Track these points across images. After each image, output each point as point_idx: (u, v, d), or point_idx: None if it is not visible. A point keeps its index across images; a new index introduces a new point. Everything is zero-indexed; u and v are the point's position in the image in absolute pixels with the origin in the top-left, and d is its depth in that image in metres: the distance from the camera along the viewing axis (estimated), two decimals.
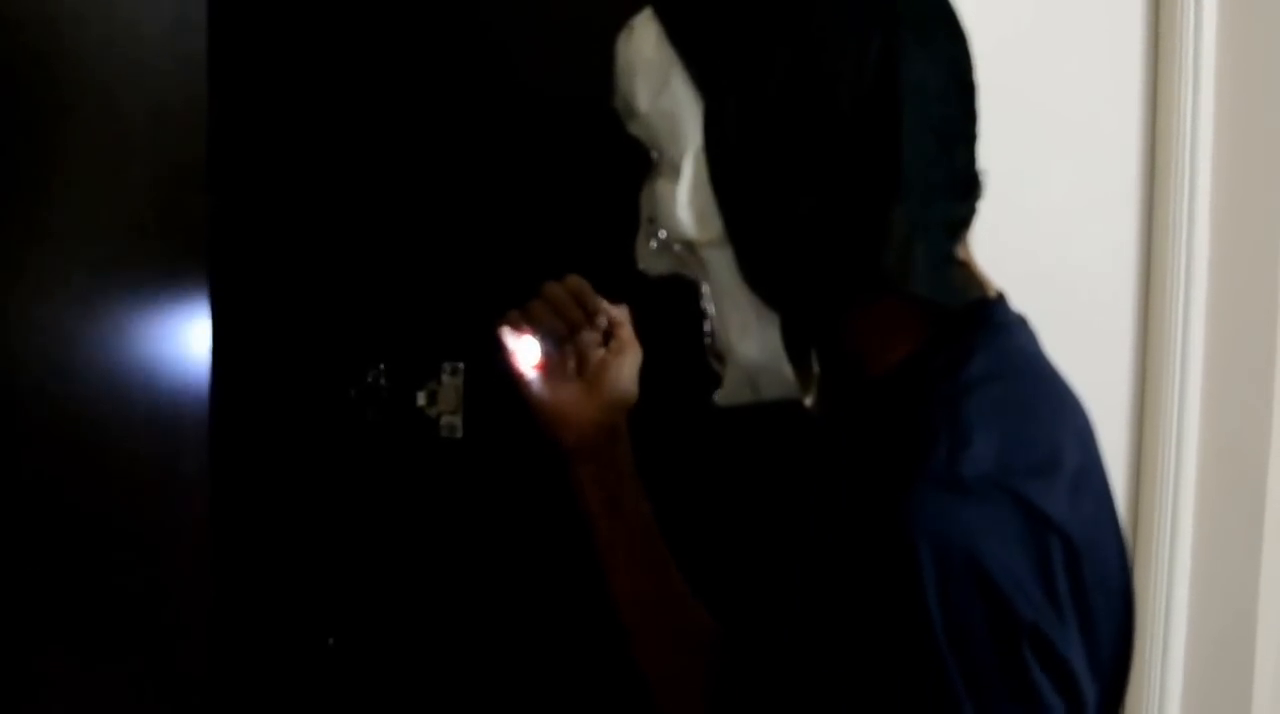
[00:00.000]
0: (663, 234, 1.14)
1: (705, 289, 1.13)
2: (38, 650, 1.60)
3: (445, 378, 1.50)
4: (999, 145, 1.13)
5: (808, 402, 1.14)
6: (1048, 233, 1.34)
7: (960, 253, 1.11)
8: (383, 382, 1.51)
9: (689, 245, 1.10)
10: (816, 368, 1.15)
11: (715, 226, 1.08)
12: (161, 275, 1.67)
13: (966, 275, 1.12)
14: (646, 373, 1.53)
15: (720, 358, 1.13)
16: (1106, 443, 1.11)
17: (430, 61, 1.53)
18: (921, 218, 1.05)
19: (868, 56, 1.03)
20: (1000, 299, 1.14)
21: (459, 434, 1.51)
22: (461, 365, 1.51)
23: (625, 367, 1.34)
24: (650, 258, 1.15)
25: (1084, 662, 0.98)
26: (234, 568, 1.58)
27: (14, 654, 1.55)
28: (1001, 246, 1.17)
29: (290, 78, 1.55)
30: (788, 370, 1.12)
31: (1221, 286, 1.65)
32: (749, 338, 1.11)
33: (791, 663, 1.02)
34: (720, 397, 1.14)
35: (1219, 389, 1.67)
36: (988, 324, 1.09)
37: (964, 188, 1.10)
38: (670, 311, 1.26)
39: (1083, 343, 1.17)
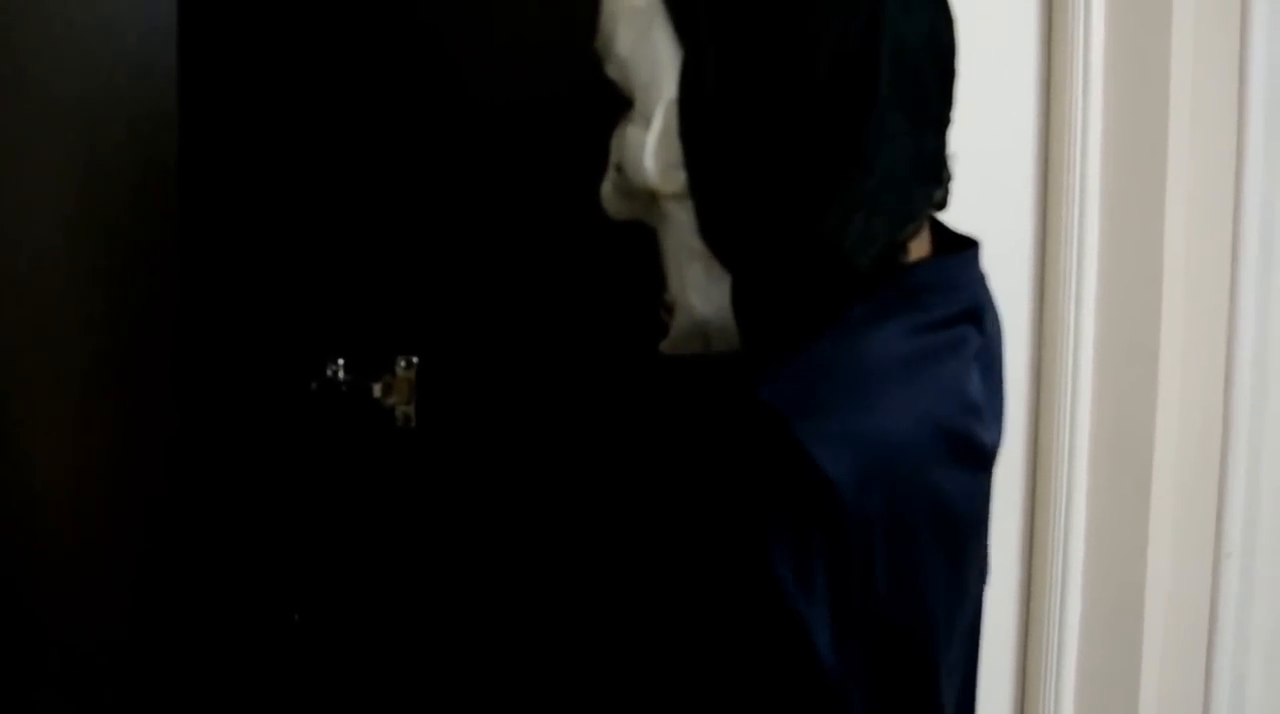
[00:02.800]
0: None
1: (662, 239, 1.11)
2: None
3: (400, 371, 1.59)
4: None
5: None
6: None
7: (910, 237, 1.10)
8: (341, 375, 1.60)
9: (651, 194, 1.09)
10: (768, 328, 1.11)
11: (678, 179, 1.06)
12: (131, 272, 1.74)
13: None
14: (598, 322, 1.57)
15: (669, 309, 1.12)
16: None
17: (385, 57, 1.58)
18: (878, 194, 1.03)
19: (851, 25, 0.99)
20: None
21: (413, 423, 1.61)
22: (415, 359, 1.60)
23: None
24: (614, 201, 1.14)
25: None
26: (200, 545, 1.66)
27: None
28: None
29: (253, 81, 1.61)
30: (732, 327, 1.09)
31: (1109, 272, 1.77)
32: (699, 292, 1.09)
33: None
34: (665, 345, 1.14)
35: (1109, 373, 1.80)
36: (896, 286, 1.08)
37: (931, 171, 1.08)
38: (626, 261, 1.27)
39: None
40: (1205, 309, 1.82)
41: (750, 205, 1.04)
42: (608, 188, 1.15)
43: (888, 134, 1.01)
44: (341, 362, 1.60)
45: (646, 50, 1.06)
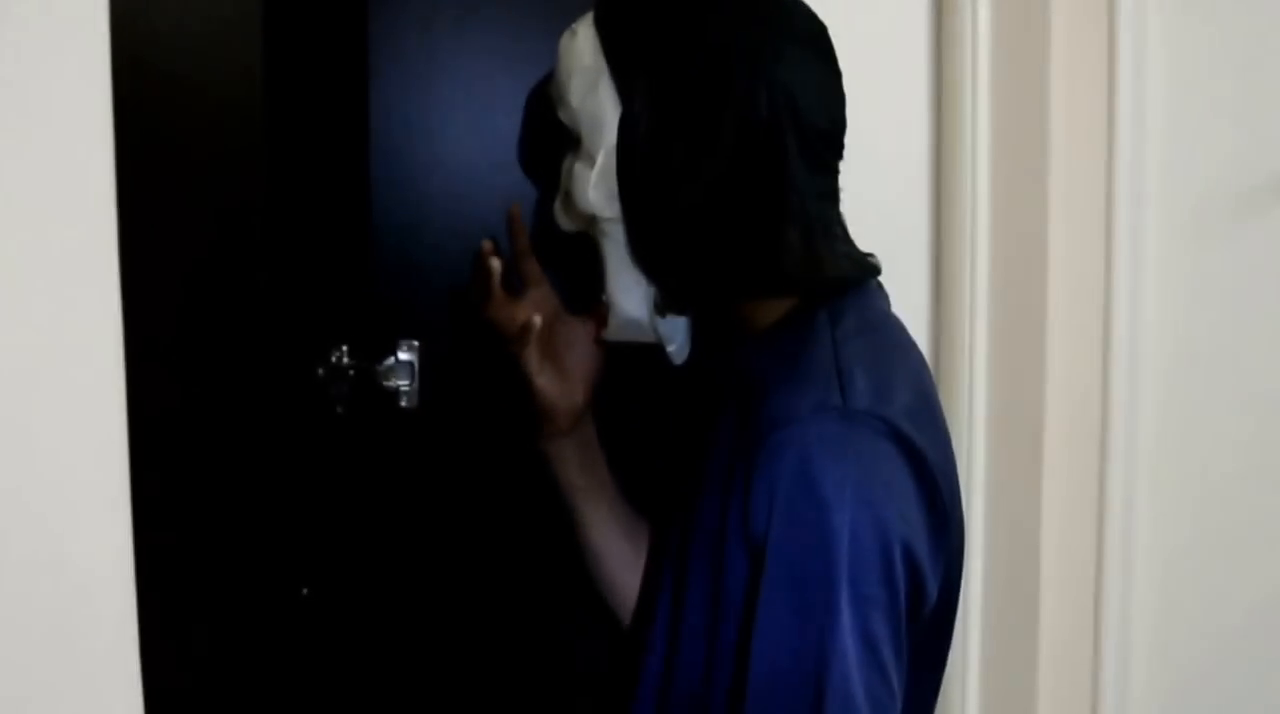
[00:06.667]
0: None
1: (602, 250, 1.33)
2: None
3: (402, 354, 1.68)
4: None
5: (671, 350, 1.35)
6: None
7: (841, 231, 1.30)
8: (346, 360, 1.68)
9: (593, 218, 1.30)
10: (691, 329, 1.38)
11: (615, 209, 1.28)
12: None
13: (853, 253, 1.31)
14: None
15: (606, 306, 1.36)
16: None
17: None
18: (806, 225, 1.23)
19: (758, 93, 1.19)
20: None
21: (415, 402, 1.70)
22: (416, 343, 1.69)
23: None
24: (563, 217, 1.36)
25: (931, 566, 1.16)
26: (211, 525, 1.69)
27: None
28: None
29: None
30: (652, 327, 1.34)
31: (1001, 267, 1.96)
32: (628, 297, 1.32)
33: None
34: (606, 334, 1.37)
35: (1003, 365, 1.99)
36: (855, 288, 1.29)
37: (831, 200, 1.29)
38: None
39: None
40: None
41: (675, 239, 1.25)
42: (558, 206, 1.37)
43: (794, 183, 1.22)
44: (345, 348, 1.68)
45: (593, 103, 1.26)
